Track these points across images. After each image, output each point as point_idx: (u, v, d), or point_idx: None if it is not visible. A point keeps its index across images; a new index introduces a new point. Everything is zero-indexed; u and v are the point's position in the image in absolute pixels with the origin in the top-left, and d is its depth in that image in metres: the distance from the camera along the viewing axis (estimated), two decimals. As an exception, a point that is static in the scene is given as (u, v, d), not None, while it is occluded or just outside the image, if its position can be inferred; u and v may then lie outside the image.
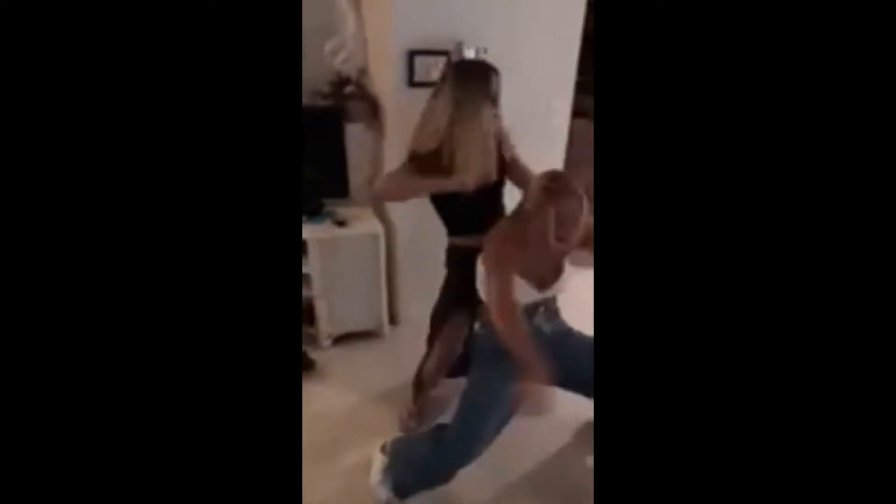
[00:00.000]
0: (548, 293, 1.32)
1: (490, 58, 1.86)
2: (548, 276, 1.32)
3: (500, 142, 1.46)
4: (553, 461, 1.67)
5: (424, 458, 1.40)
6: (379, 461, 1.50)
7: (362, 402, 1.84)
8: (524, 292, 1.30)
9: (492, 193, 1.50)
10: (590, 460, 1.65)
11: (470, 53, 1.83)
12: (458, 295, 1.58)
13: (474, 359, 1.45)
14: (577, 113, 2.25)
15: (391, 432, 1.65)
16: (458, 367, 1.71)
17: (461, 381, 1.49)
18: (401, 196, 1.57)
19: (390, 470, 1.45)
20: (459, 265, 1.54)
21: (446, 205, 1.51)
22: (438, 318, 1.69)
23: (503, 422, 1.38)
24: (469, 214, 1.49)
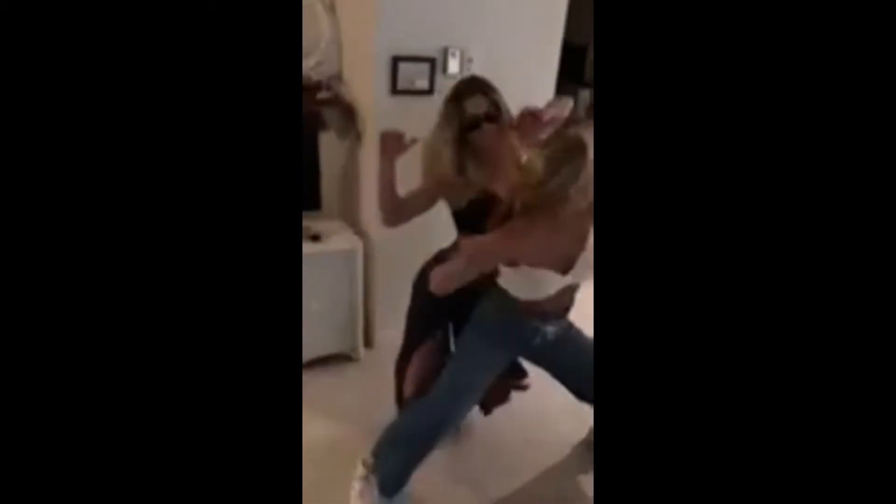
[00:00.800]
0: (566, 279, 1.20)
1: (475, 67, 1.82)
2: (568, 249, 1.17)
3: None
4: (546, 478, 1.61)
5: (407, 425, 1.35)
6: (359, 472, 1.40)
7: (343, 435, 1.68)
8: (519, 287, 1.22)
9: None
10: (583, 479, 1.61)
11: (455, 62, 1.76)
12: (429, 321, 1.52)
13: (470, 330, 1.36)
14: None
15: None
16: None
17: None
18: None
19: (376, 472, 1.36)
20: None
21: (473, 218, 1.38)
22: (411, 349, 1.57)
23: (480, 396, 1.39)
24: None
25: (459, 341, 1.39)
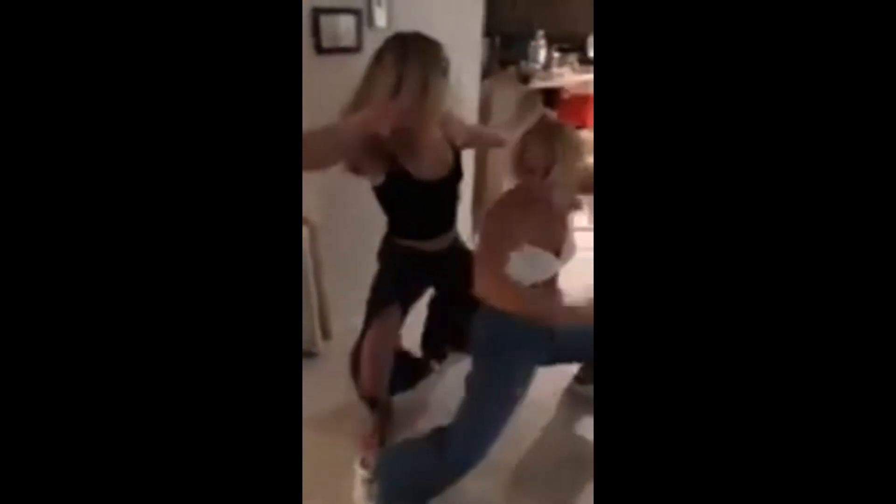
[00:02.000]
0: (560, 263, 1.21)
1: (402, 17, 1.67)
2: (558, 235, 1.21)
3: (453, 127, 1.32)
4: (545, 438, 1.60)
5: (425, 465, 1.20)
6: (360, 475, 1.31)
7: (314, 438, 1.53)
8: (527, 272, 1.16)
9: (447, 190, 1.35)
10: (578, 427, 1.63)
11: (382, 12, 1.59)
12: (390, 289, 1.43)
13: (477, 349, 1.29)
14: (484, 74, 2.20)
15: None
16: (399, 381, 1.57)
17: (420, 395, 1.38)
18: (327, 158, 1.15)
19: (377, 484, 1.26)
20: (396, 259, 1.41)
21: (393, 199, 1.31)
22: (373, 309, 1.46)
23: (510, 413, 1.24)
24: (419, 214, 1.33)
25: (474, 365, 1.28)
